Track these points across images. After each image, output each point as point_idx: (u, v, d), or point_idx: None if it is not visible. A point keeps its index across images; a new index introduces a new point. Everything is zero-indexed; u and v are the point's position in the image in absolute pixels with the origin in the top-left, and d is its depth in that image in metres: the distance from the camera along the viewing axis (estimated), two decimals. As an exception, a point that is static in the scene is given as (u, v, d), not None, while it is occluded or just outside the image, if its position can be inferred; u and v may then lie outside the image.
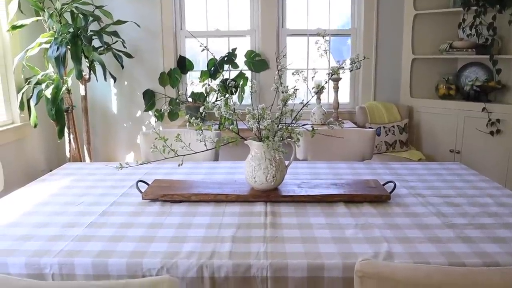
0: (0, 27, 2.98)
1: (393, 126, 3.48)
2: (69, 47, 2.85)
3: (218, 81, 3.53)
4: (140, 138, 2.39)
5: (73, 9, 3.03)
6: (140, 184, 1.67)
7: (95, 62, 3.17)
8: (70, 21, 3.11)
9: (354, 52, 3.74)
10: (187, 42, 3.72)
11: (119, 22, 3.23)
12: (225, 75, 3.69)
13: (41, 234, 1.30)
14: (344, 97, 3.78)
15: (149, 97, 3.64)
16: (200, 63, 3.77)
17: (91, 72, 3.21)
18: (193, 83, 1.78)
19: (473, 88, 3.40)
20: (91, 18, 3.06)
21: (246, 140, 1.61)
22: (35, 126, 3.03)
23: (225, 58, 3.58)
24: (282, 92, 1.56)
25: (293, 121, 1.58)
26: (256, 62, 3.62)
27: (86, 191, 1.71)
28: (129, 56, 3.44)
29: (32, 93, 2.97)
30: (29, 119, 3.05)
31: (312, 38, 3.73)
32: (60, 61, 2.77)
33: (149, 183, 1.70)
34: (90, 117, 3.43)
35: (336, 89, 3.46)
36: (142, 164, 1.69)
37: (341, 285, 1.10)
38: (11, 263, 1.14)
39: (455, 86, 3.55)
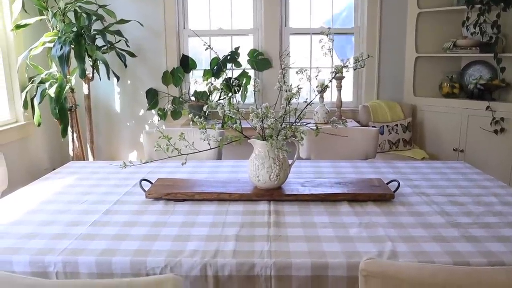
0: (4, 26, 2.99)
1: (397, 125, 3.47)
2: (73, 46, 2.86)
3: (221, 80, 3.54)
4: (143, 137, 2.39)
5: (77, 8, 3.03)
6: (143, 182, 1.67)
7: (98, 61, 3.18)
8: (73, 20, 3.12)
9: (358, 50, 3.73)
10: (190, 41, 3.73)
11: (122, 21, 3.23)
12: (228, 74, 3.69)
13: (45, 232, 1.30)
14: (347, 95, 3.77)
15: (152, 96, 3.65)
16: (203, 62, 3.77)
17: (95, 71, 3.22)
18: (196, 82, 1.78)
19: (477, 87, 3.38)
20: (94, 17, 3.06)
21: (249, 139, 1.61)
22: (39, 125, 3.05)
23: (228, 57, 3.58)
24: (286, 91, 1.56)
25: (297, 120, 1.57)
26: (259, 61, 3.61)
27: (90, 190, 1.71)
28: (132, 55, 3.45)
29: (36, 92, 2.98)
30: (33, 118, 3.06)
31: (315, 37, 3.73)
32: (63, 60, 2.78)
33: (153, 181, 1.70)
34: (94, 116, 3.44)
35: (339, 87, 3.45)
36: (145, 162, 1.69)
37: (345, 284, 1.10)
38: (16, 261, 1.15)
39: (459, 84, 3.53)
